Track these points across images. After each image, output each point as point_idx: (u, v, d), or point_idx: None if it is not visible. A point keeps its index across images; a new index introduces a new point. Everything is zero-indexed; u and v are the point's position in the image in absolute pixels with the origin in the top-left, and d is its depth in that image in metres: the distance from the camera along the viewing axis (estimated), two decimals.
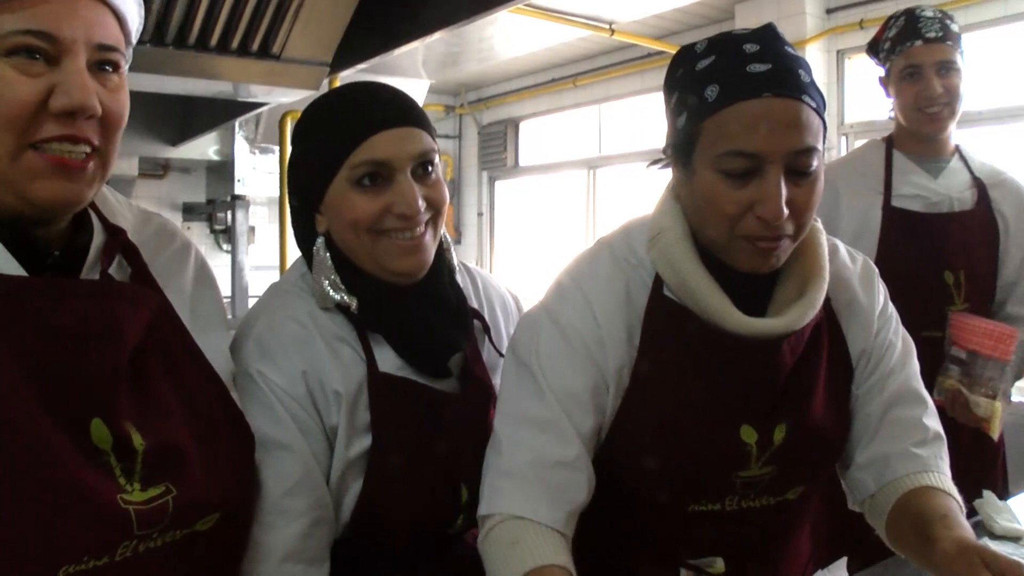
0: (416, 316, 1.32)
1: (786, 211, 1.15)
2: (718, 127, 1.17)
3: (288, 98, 3.41)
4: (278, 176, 3.95)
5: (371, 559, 1.30)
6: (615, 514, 1.30)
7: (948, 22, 2.17)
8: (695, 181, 1.22)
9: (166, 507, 0.97)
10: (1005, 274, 2.27)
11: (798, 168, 1.16)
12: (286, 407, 1.21)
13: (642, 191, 6.45)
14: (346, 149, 1.25)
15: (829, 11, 4.99)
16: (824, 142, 1.22)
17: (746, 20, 5.11)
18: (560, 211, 7.03)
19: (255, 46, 2.96)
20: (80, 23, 0.92)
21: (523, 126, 7.34)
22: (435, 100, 7.25)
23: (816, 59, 4.95)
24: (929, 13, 2.18)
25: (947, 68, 2.16)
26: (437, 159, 1.32)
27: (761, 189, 1.15)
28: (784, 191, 1.15)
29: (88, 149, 0.94)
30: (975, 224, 2.24)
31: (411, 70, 4.80)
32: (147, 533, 0.95)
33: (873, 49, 2.32)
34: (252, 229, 5.81)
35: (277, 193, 4.73)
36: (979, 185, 2.26)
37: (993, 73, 4.32)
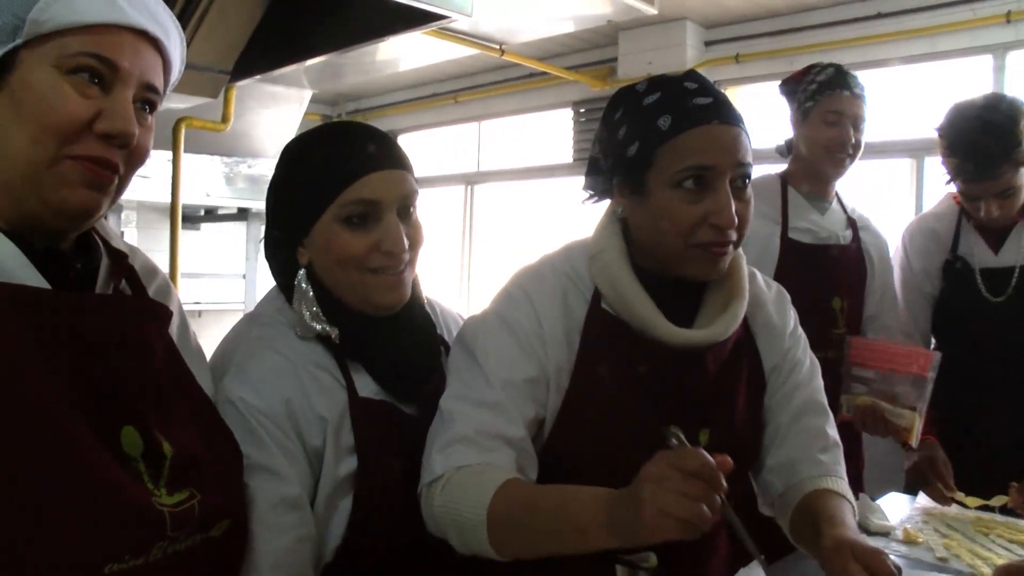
0: (395, 345, 1.39)
1: (736, 220, 1.30)
2: (674, 151, 1.30)
3: (183, 104, 3.36)
4: (170, 181, 3.83)
5: None
6: None
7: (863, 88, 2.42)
8: (651, 201, 1.34)
9: (193, 511, 1.02)
10: (868, 308, 2.52)
11: (739, 181, 1.32)
12: (268, 432, 1.25)
13: (519, 208, 6.59)
14: (338, 187, 1.31)
15: (708, 44, 5.23)
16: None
17: (629, 46, 5.32)
18: (437, 225, 7.07)
19: None
20: (139, 61, 1.00)
21: (402, 139, 7.34)
22: (312, 109, 7.15)
23: None
24: (854, 72, 2.42)
25: (860, 123, 2.39)
26: (417, 200, 1.38)
27: (714, 201, 1.30)
28: (734, 205, 1.30)
29: (112, 172, 0.99)
30: (852, 259, 2.49)
31: (294, 80, 4.80)
32: (176, 535, 0.99)
33: (791, 87, 2.50)
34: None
35: (153, 198, 4.61)
36: (853, 226, 2.51)
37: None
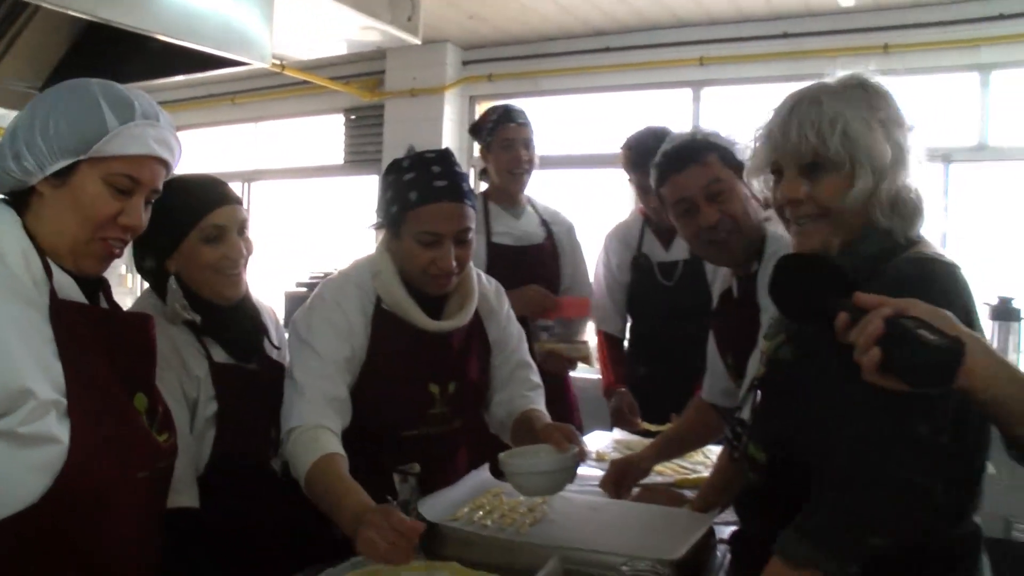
0: (236, 325, 2.00)
1: (455, 264, 1.99)
2: (417, 217, 1.98)
3: None
4: None
5: (222, 487, 1.90)
6: (355, 441, 1.98)
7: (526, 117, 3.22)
8: (403, 245, 2.02)
9: (172, 446, 1.59)
10: (563, 283, 3.36)
11: (461, 239, 2.01)
12: (173, 388, 1.81)
13: (297, 206, 7.05)
14: (199, 216, 1.89)
15: (464, 63, 5.95)
16: (476, 221, 2.07)
17: (396, 63, 5.98)
18: None
19: None
20: (153, 176, 1.52)
21: (180, 136, 7.53)
22: None
23: (453, 102, 5.90)
24: (518, 107, 3.24)
25: (530, 144, 3.21)
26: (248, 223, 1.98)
27: (439, 254, 1.99)
28: (453, 252, 1.99)
29: (122, 246, 1.53)
30: (546, 253, 3.31)
31: None
32: (163, 461, 1.55)
33: (476, 131, 3.29)
34: None
35: None
36: (545, 224, 3.33)
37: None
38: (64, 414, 1.37)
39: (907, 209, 1.48)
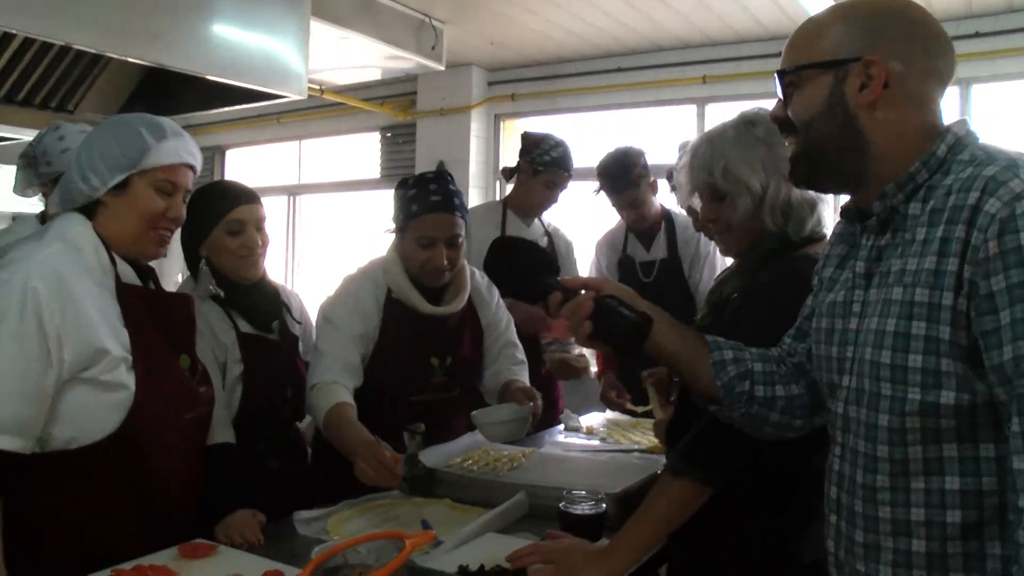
0: (255, 300, 2.47)
1: (447, 262, 2.48)
2: (417, 224, 2.49)
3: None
4: None
5: (247, 433, 2.36)
6: (373, 405, 2.46)
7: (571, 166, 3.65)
8: (407, 247, 2.52)
9: (211, 396, 2.06)
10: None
11: (452, 243, 2.50)
12: (207, 353, 2.26)
13: (337, 218, 7.56)
14: (223, 213, 2.36)
15: (490, 84, 6.43)
16: (465, 229, 2.53)
17: (426, 85, 6.45)
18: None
19: (54, 103, 3.80)
20: (186, 180, 1.95)
21: (229, 153, 8.16)
22: None
23: (479, 120, 6.40)
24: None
25: (564, 189, 3.67)
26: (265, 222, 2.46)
27: (434, 253, 2.48)
28: (445, 254, 2.47)
29: (170, 235, 1.97)
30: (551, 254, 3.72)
31: None
32: (203, 407, 2.02)
33: (530, 142, 3.64)
34: None
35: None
36: (548, 233, 3.79)
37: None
38: (130, 367, 1.82)
39: (796, 213, 1.84)
